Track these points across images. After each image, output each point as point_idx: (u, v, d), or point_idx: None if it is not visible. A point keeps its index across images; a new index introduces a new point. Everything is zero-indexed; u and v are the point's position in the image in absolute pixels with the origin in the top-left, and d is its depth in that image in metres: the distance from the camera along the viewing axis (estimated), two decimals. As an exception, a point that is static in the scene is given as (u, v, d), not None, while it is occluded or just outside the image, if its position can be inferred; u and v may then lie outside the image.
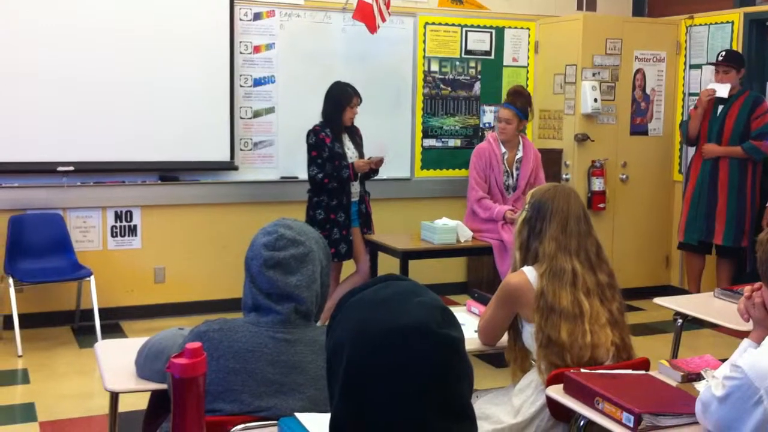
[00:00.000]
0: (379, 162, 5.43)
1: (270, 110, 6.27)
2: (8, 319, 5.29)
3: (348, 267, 5.62)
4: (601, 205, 6.61)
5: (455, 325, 1.28)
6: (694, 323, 4.09)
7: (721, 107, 6.00)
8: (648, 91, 6.85)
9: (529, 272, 2.79)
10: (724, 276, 6.08)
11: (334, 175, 5.28)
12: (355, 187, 5.48)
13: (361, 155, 5.49)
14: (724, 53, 6.00)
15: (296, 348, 2.05)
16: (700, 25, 6.70)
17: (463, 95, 6.89)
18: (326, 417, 1.33)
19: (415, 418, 1.21)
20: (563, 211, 2.78)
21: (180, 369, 1.58)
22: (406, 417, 1.21)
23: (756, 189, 6.00)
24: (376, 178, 5.70)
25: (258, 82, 6.22)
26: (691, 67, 6.79)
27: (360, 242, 5.48)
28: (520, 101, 5.20)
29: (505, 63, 7.00)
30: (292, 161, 6.14)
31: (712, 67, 6.09)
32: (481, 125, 6.94)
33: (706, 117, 6.06)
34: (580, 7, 7.22)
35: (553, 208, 2.79)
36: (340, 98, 5.39)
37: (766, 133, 5.84)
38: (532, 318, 2.74)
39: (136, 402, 3.05)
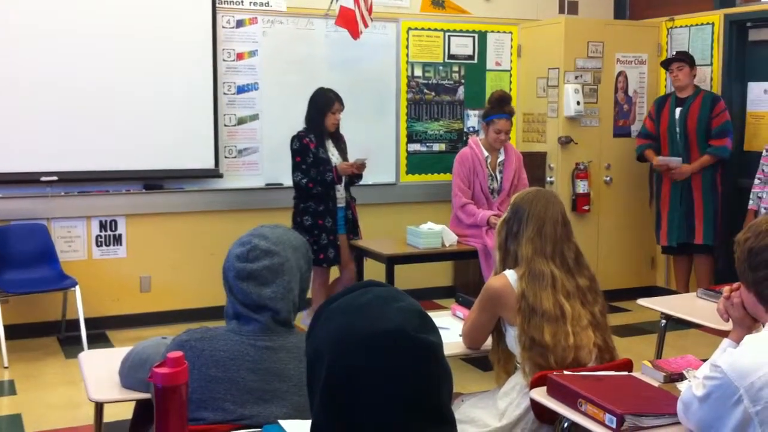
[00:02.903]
0: (362, 166, 5.43)
1: (254, 117, 6.26)
2: (-7, 330, 5.27)
3: (333, 272, 5.62)
4: (586, 207, 6.63)
5: (434, 329, 1.29)
6: (680, 324, 4.11)
7: (679, 110, 6.14)
8: (630, 93, 6.88)
9: (510, 275, 2.81)
10: (704, 274, 6.15)
11: (319, 180, 5.28)
12: (341, 193, 5.48)
13: (345, 161, 5.49)
14: (674, 53, 6.20)
15: (278, 355, 2.05)
16: (681, 26, 6.75)
17: (447, 100, 6.91)
18: (310, 423, 1.34)
19: (394, 422, 1.22)
20: (540, 215, 2.81)
21: (162, 378, 1.58)
22: (385, 421, 1.22)
23: (723, 186, 6.14)
24: (360, 183, 5.71)
25: (241, 90, 6.21)
26: (673, 68, 6.83)
27: (346, 249, 5.48)
28: (509, 107, 5.20)
29: (488, 67, 7.02)
30: (277, 168, 6.13)
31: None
32: (465, 129, 6.96)
33: (663, 123, 6.19)
34: (561, 11, 7.25)
35: (530, 212, 2.82)
36: (322, 104, 5.40)
37: (726, 130, 6.02)
38: (515, 321, 2.75)
39: (122, 411, 3.06)
